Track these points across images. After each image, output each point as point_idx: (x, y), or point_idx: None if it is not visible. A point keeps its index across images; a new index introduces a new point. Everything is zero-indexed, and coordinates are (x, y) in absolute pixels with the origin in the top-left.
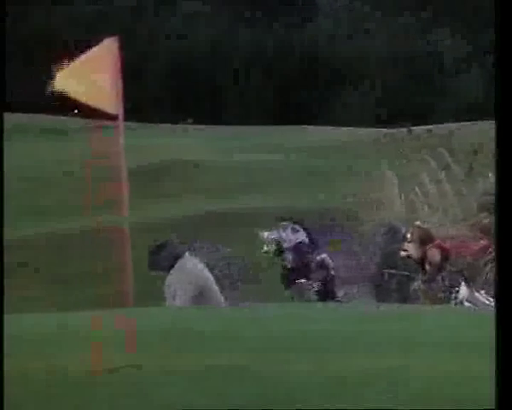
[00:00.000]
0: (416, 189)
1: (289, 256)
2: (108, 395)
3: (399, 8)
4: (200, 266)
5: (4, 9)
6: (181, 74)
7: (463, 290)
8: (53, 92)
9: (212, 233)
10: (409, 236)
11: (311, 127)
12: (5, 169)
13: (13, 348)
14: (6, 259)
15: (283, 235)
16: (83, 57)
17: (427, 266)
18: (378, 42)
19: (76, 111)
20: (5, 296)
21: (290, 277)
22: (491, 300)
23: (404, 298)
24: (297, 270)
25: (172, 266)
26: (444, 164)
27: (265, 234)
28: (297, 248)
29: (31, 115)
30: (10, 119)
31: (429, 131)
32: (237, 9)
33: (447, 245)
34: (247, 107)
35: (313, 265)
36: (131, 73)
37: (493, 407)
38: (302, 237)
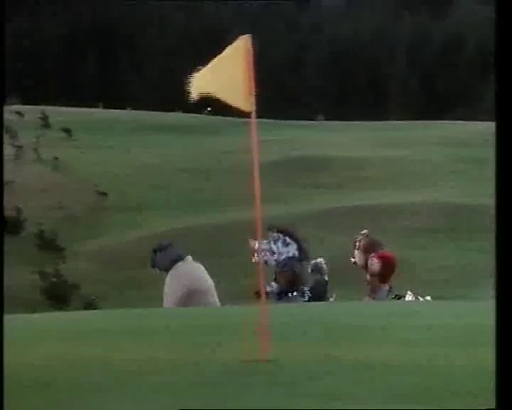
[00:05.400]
0: None
1: (280, 273)
2: (264, 383)
3: None
4: (199, 270)
5: (4, 9)
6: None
7: (409, 299)
8: (190, 90)
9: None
10: (356, 244)
11: (450, 122)
12: (164, 162)
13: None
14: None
15: (274, 247)
16: (219, 55)
17: (368, 275)
18: None
19: (210, 109)
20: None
21: (282, 291)
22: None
23: None
24: (288, 285)
25: (171, 268)
26: None
27: (256, 244)
28: (288, 263)
29: (178, 114)
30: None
31: None
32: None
33: (390, 255)
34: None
35: (306, 270)
36: (292, 66)
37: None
38: (293, 250)
